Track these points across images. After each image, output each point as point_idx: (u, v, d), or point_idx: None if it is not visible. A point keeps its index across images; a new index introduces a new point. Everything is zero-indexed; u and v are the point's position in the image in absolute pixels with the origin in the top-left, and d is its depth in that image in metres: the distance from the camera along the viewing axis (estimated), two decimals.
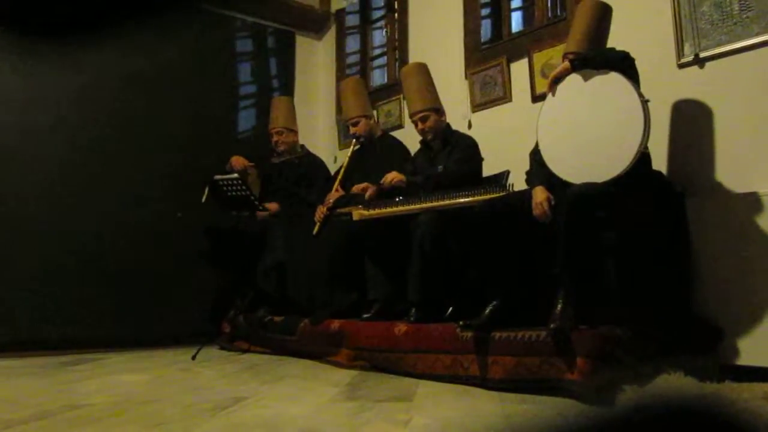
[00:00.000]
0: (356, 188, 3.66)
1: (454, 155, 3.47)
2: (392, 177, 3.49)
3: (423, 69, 3.66)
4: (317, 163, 4.63)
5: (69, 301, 4.11)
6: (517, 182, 3.07)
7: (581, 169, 2.58)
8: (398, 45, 4.99)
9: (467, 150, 3.47)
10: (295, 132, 4.56)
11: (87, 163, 4.31)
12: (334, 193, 3.90)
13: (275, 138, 4.47)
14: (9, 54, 4.16)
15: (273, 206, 4.35)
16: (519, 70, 3.92)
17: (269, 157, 4.55)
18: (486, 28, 4.33)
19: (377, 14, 5.52)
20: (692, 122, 2.99)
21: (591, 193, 2.47)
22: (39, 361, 3.63)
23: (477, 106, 4.15)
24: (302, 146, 4.62)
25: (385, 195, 3.51)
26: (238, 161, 4.37)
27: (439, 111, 3.57)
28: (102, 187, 4.32)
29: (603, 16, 2.90)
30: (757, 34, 2.77)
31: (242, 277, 4.25)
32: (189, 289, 4.40)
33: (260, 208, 4.10)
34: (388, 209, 3.35)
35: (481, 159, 3.53)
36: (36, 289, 4.02)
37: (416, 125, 3.59)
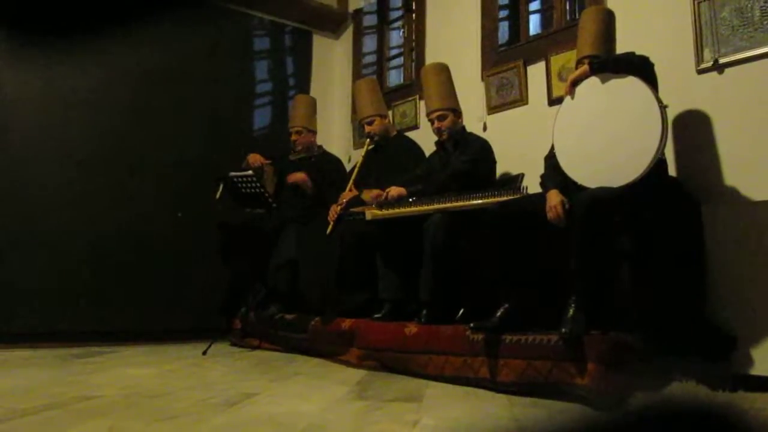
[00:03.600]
0: (370, 197, 3.62)
1: (464, 156, 3.46)
2: (394, 192, 3.48)
3: (444, 69, 3.65)
4: (333, 161, 4.62)
5: (82, 295, 4.15)
6: (532, 185, 3.05)
7: (597, 174, 2.56)
8: (415, 46, 4.98)
9: (477, 151, 3.46)
10: (313, 132, 4.55)
11: (102, 158, 4.35)
12: (348, 193, 3.89)
13: (293, 137, 4.47)
14: (27, 52, 4.20)
15: (300, 176, 4.37)
16: (536, 72, 3.90)
17: (287, 154, 4.54)
18: (503, 30, 4.31)
19: (395, 15, 5.51)
20: (710, 129, 2.95)
21: (606, 197, 2.46)
22: (51, 353, 3.66)
23: (493, 109, 4.13)
24: (320, 146, 4.62)
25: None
26: (255, 158, 4.37)
27: (456, 112, 3.57)
28: (117, 183, 4.36)
29: (609, 21, 2.91)
30: None
31: (254, 274, 4.27)
32: (201, 284, 4.43)
33: (274, 205, 4.11)
34: (401, 210, 3.35)
35: (494, 161, 3.52)
36: (49, 283, 4.06)
37: (432, 123, 3.58)
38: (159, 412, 2.08)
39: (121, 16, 4.39)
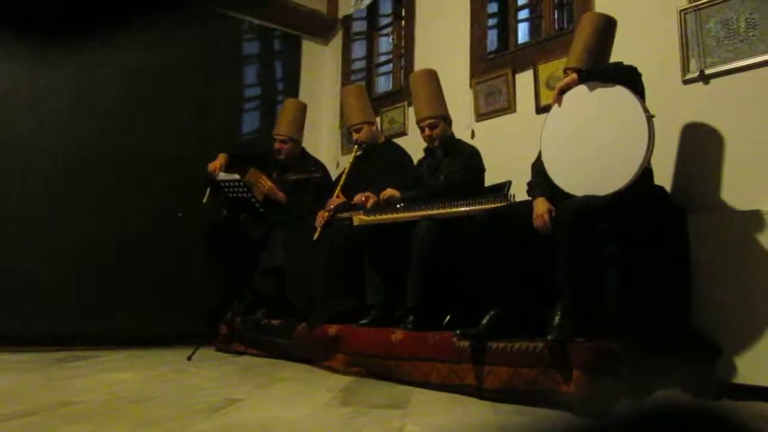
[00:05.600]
0: (357, 199, 3.63)
1: (455, 164, 3.46)
2: (386, 193, 3.49)
3: (433, 76, 3.65)
4: (318, 166, 4.58)
5: (65, 298, 4.10)
6: (519, 193, 3.06)
7: (583, 182, 2.57)
8: (404, 52, 5.00)
9: (468, 159, 3.47)
10: (298, 143, 4.45)
11: (89, 161, 4.31)
12: (335, 199, 3.89)
13: (278, 145, 4.37)
14: (18, 54, 4.16)
15: (281, 194, 4.29)
16: (524, 81, 3.92)
17: (274, 157, 4.46)
18: (492, 39, 4.33)
19: (384, 21, 5.53)
20: (696, 138, 2.98)
21: (592, 205, 2.47)
22: (33, 357, 3.62)
23: (481, 116, 4.15)
24: (302, 149, 4.56)
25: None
26: (213, 166, 4.16)
27: (447, 119, 3.57)
28: (103, 186, 4.32)
29: (606, 30, 2.87)
30: (763, 53, 2.77)
31: (241, 279, 4.24)
32: (187, 289, 4.38)
33: (261, 210, 4.09)
34: (389, 215, 3.35)
35: (483, 169, 3.53)
36: (32, 285, 4.01)
37: (423, 131, 3.57)
38: (142, 417, 2.07)
39: (110, 18, 4.36)
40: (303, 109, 4.55)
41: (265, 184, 4.27)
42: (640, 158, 2.43)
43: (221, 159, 4.21)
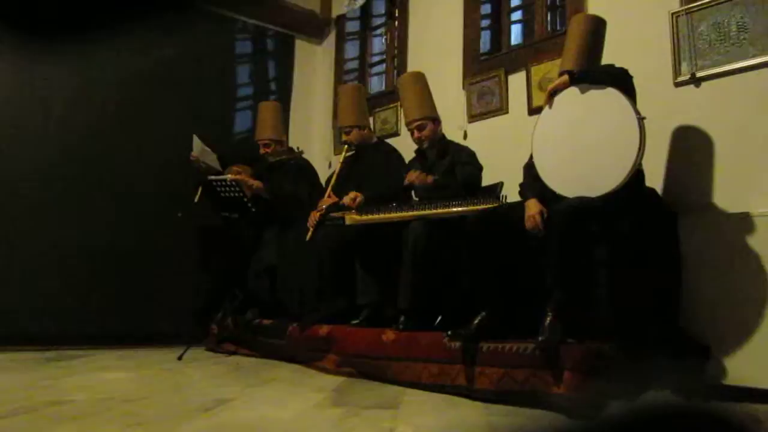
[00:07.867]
0: (347, 199, 3.63)
1: (462, 165, 3.44)
2: (416, 176, 3.38)
3: (421, 78, 3.66)
4: (304, 164, 4.57)
5: (56, 298, 4.08)
6: (511, 194, 3.07)
7: (575, 183, 2.58)
8: (397, 53, 5.00)
9: (472, 157, 3.48)
10: (282, 141, 4.50)
11: (82, 161, 4.30)
12: (327, 199, 3.88)
13: (263, 150, 4.40)
14: (8, 50, 4.14)
15: (257, 183, 4.27)
16: (517, 82, 3.93)
17: (263, 158, 4.50)
18: (485, 40, 4.34)
19: (377, 21, 5.53)
20: (687, 141, 3.00)
21: (584, 207, 2.48)
22: (23, 356, 3.61)
23: (473, 117, 4.16)
24: (289, 148, 4.56)
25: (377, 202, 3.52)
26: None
27: (435, 120, 3.58)
28: (95, 186, 4.31)
29: (597, 31, 2.87)
30: (754, 56, 2.79)
31: (233, 279, 4.23)
32: (178, 289, 4.38)
33: (253, 210, 4.07)
34: (381, 215, 3.35)
35: (481, 168, 3.53)
36: (23, 285, 4.00)
37: (412, 134, 3.59)
38: (132, 417, 2.06)
39: (103, 18, 4.35)
40: (279, 109, 4.59)
41: (234, 177, 4.16)
42: (632, 160, 2.44)
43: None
